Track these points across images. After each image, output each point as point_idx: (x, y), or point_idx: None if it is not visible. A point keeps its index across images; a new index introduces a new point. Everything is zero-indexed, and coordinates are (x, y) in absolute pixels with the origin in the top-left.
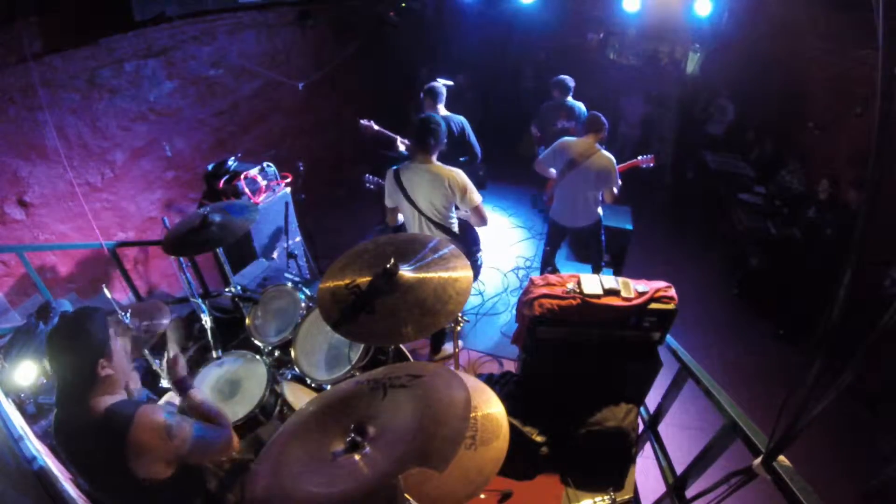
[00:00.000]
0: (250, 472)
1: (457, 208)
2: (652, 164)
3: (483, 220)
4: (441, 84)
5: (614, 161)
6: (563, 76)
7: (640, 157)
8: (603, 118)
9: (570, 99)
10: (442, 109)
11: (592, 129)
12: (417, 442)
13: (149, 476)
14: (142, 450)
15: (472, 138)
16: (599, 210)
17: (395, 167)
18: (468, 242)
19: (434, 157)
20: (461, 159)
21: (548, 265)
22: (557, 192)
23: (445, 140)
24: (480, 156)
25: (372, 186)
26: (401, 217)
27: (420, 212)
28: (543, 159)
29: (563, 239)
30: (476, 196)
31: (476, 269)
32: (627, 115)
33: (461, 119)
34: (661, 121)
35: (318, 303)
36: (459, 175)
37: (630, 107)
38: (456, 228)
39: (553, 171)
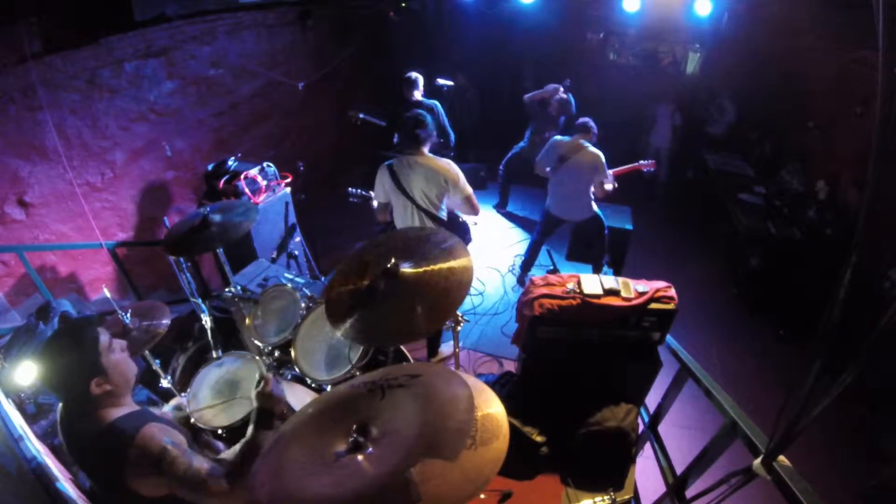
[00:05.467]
0: (251, 476)
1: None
2: (653, 170)
3: (475, 210)
4: (416, 75)
5: (601, 156)
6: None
7: (641, 162)
8: (592, 124)
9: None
10: (417, 94)
11: (581, 131)
12: (425, 436)
13: (146, 493)
14: (137, 468)
15: (444, 120)
16: (594, 206)
17: (388, 162)
18: (460, 233)
19: (426, 150)
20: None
21: (532, 260)
22: (550, 186)
23: (431, 131)
24: (454, 141)
25: (357, 200)
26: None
27: (414, 203)
28: (540, 161)
29: (552, 233)
30: (468, 187)
31: None
32: (659, 125)
33: (434, 102)
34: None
35: (326, 310)
36: (452, 167)
37: (662, 117)
38: (445, 217)
39: (549, 169)
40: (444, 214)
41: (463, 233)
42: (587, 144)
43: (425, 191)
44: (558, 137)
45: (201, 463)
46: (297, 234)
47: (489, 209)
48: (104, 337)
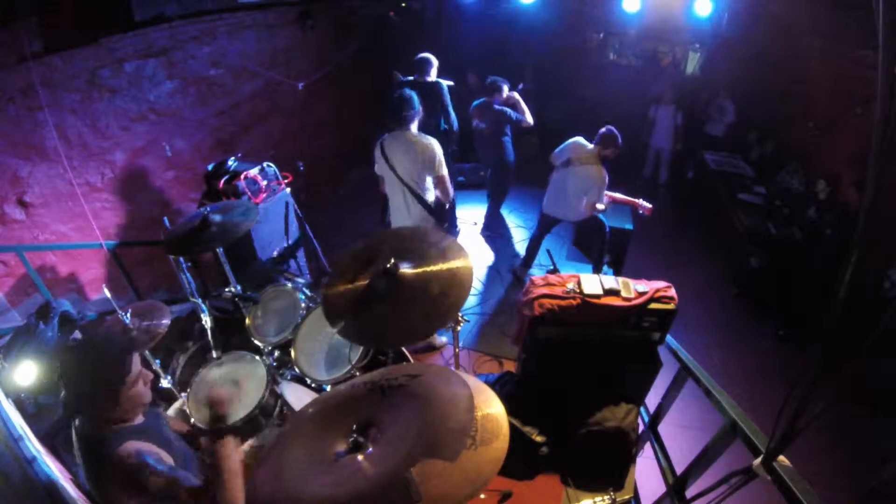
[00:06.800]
0: (251, 476)
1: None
2: (648, 214)
3: (446, 192)
4: (427, 56)
5: (604, 179)
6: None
7: (641, 201)
8: (619, 139)
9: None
10: (432, 76)
11: (602, 142)
12: (425, 436)
13: None
14: (110, 485)
15: (448, 102)
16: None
17: (381, 138)
18: (444, 219)
19: (413, 127)
20: (441, 129)
21: (532, 258)
22: (550, 181)
23: (417, 109)
24: (457, 128)
25: None
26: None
27: (399, 177)
28: (556, 153)
29: (550, 231)
30: (443, 168)
31: None
32: (659, 125)
33: (442, 83)
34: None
35: (324, 308)
36: (431, 146)
37: (662, 117)
38: (431, 200)
39: (557, 164)
40: (429, 196)
41: (449, 219)
42: (599, 163)
43: (406, 165)
44: (581, 139)
45: (185, 479)
46: (298, 234)
47: (483, 206)
48: (135, 369)
